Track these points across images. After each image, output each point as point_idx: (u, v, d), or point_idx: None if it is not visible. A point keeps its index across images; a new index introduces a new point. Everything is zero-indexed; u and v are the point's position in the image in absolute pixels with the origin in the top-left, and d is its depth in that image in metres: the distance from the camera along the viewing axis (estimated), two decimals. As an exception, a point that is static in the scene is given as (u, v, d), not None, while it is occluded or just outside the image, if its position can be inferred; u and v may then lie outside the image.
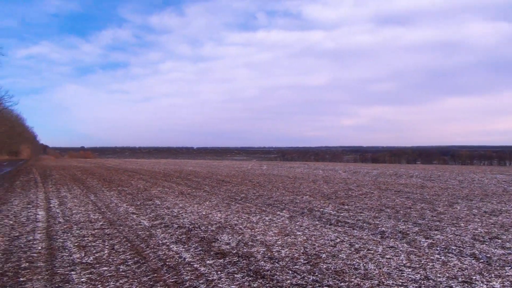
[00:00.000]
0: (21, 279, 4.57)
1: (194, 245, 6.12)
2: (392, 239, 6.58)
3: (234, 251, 5.75)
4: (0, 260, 5.31)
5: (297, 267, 5.03)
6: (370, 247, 6.04)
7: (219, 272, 4.79)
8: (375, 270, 4.92)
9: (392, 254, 5.66)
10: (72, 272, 4.78)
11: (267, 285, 4.40)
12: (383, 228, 7.48)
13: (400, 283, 4.46)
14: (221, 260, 5.29)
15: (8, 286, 4.32)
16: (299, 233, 7.12)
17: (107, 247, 5.99)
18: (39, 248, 5.96)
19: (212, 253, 5.67)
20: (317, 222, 8.17)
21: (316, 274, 4.76)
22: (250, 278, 4.59)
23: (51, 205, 10.25)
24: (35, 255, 5.57)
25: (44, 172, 23.74)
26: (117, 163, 42.49)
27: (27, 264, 5.12)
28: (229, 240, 6.51)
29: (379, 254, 5.64)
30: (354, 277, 4.66)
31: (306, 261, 5.27)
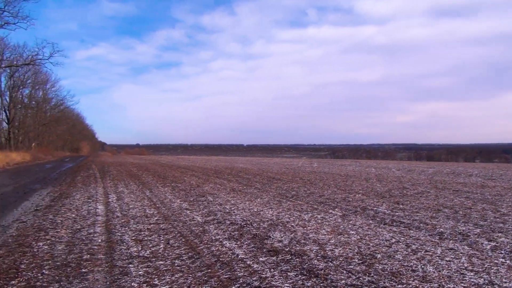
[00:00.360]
0: (83, 270, 4.77)
1: (246, 242, 6.15)
2: (451, 241, 6.28)
3: (287, 249, 5.71)
4: (64, 251, 5.58)
5: (352, 267, 4.92)
6: (428, 249, 5.80)
7: (272, 270, 4.77)
8: (434, 272, 4.71)
9: (452, 256, 5.40)
10: (130, 265, 4.94)
11: (321, 284, 4.33)
12: (441, 229, 7.17)
13: (462, 287, 4.25)
14: (274, 258, 5.27)
15: (72, 277, 4.52)
16: (352, 232, 6.97)
17: (162, 241, 6.14)
18: (99, 241, 6.21)
19: (264, 250, 5.66)
20: (370, 221, 7.97)
21: (372, 275, 4.63)
22: (303, 277, 4.54)
23: (110, 199, 10.66)
24: (95, 247, 5.80)
25: (103, 168, 24.80)
26: (171, 160, 43.66)
27: (88, 256, 5.35)
28: (282, 237, 6.48)
29: (438, 256, 5.40)
30: (412, 279, 4.49)
31: (360, 261, 5.15)
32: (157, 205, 9.77)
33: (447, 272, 4.72)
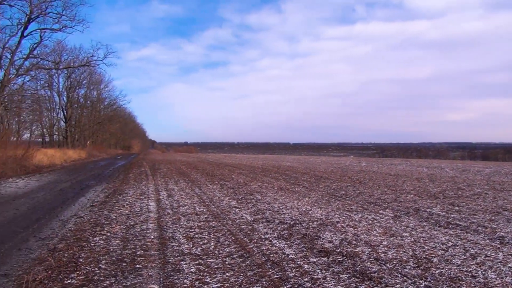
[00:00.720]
0: (137, 266, 4.90)
1: (296, 242, 6.09)
2: (514, 246, 5.94)
3: (338, 250, 5.61)
4: (119, 246, 5.76)
5: (407, 270, 4.75)
6: (488, 253, 5.50)
7: (323, 271, 4.69)
8: (496, 279, 4.46)
9: (515, 262, 5.10)
10: (182, 262, 5.01)
11: None
12: (502, 233, 6.80)
13: (528, 296, 4.00)
14: (325, 259, 5.19)
15: (127, 272, 4.65)
16: (405, 234, 6.74)
17: (212, 239, 6.20)
18: (152, 237, 6.36)
19: (315, 250, 5.58)
20: (424, 223, 7.68)
21: (429, 280, 4.44)
22: (356, 279, 4.43)
23: (161, 196, 10.92)
24: (148, 243, 5.95)
25: (153, 166, 25.49)
26: (218, 158, 44.23)
27: (142, 252, 5.49)
28: (332, 238, 6.38)
29: (500, 262, 5.11)
30: (472, 285, 4.28)
31: (416, 265, 4.96)
32: (206, 203, 9.90)
33: (511, 280, 4.45)
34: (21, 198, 10.91)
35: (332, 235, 6.56)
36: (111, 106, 67.26)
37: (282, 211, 8.90)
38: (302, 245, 5.87)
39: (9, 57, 25.04)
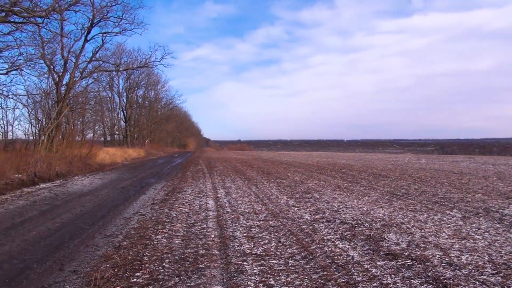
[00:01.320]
0: (200, 265, 4.88)
1: (360, 243, 5.85)
2: None
3: (406, 253, 5.31)
4: (181, 245, 5.79)
5: (485, 277, 4.40)
6: None
7: (393, 276, 4.44)
8: None
9: None
10: (245, 263, 4.94)
11: (452, 296, 3.92)
12: None
13: None
14: (393, 262, 4.92)
15: (190, 272, 4.64)
16: (478, 236, 6.31)
17: (273, 239, 6.09)
18: (212, 236, 6.36)
19: (381, 253, 5.32)
20: (497, 225, 7.17)
21: (511, 288, 4.08)
22: (430, 286, 4.15)
23: (219, 195, 10.98)
24: (209, 242, 5.94)
25: (209, 164, 25.87)
26: (272, 156, 44.25)
27: (204, 251, 5.48)
28: (398, 240, 6.07)
29: None
30: None
31: (494, 271, 4.59)
32: (264, 201, 9.83)
33: None
34: (86, 195, 11.37)
35: (398, 237, 6.25)
36: (167, 105, 69.24)
37: (342, 210, 8.65)
38: (367, 247, 5.63)
39: (74, 60, 26.29)
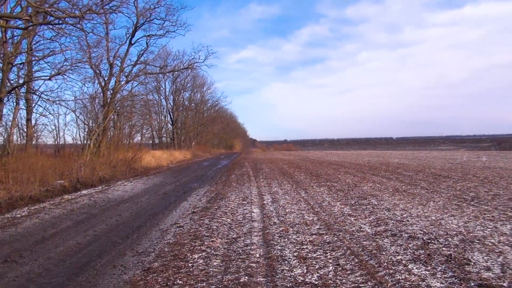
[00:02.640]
0: (242, 298, 3.94)
1: (440, 267, 4.69)
2: None
3: (505, 284, 4.12)
4: (220, 269, 4.86)
5: None
6: None
7: (498, 322, 3.30)
8: None
9: None
10: (297, 296, 3.95)
11: None
12: None
13: None
14: (493, 299, 3.76)
15: (229, 308, 3.71)
16: None
17: (330, 261, 5.04)
18: (257, 255, 5.39)
19: (472, 283, 4.16)
20: None
21: None
22: None
23: (265, 201, 10.02)
24: (253, 265, 4.97)
25: (255, 166, 25.01)
26: (320, 156, 42.87)
27: (247, 278, 4.52)
28: (487, 262, 4.86)
29: None
30: None
31: None
32: (316, 209, 8.76)
33: None
34: (126, 202, 10.78)
35: (486, 258, 5.03)
36: (213, 107, 69.30)
37: (408, 220, 7.45)
38: (450, 273, 4.47)
39: (119, 64, 26.31)
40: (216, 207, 9.30)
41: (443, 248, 5.49)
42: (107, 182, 15.54)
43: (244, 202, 10.03)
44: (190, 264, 5.03)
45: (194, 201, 10.65)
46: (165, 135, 55.40)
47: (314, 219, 7.70)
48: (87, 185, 14.26)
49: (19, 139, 19.74)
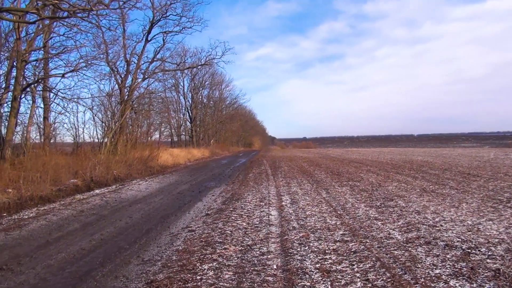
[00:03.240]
0: (255, 322, 3.35)
1: (488, 285, 4.02)
2: None
3: None
4: (232, 284, 4.28)
5: None
6: None
7: None
8: None
9: None
10: (320, 321, 3.34)
11: None
12: None
13: None
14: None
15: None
16: None
17: (358, 275, 4.40)
18: (274, 267, 4.79)
19: (531, 308, 3.49)
20: None
21: None
22: None
23: (283, 203, 9.39)
24: (270, 279, 4.37)
25: (274, 164, 24.38)
26: (340, 153, 41.97)
27: (262, 295, 3.94)
28: (544, 279, 4.16)
29: None
30: None
31: None
32: (338, 212, 8.11)
33: None
34: (138, 203, 10.32)
35: (541, 273, 4.32)
36: (232, 105, 68.97)
37: (441, 225, 6.75)
38: (503, 294, 3.80)
39: (136, 62, 26.02)
40: (232, 209, 8.73)
41: (488, 260, 4.80)
42: (122, 181, 15.16)
43: (261, 203, 9.42)
44: (198, 277, 4.47)
45: (209, 202, 10.11)
46: (183, 133, 55.26)
47: (337, 223, 7.05)
48: (101, 184, 13.88)
49: (37, 137, 19.61)
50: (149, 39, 25.98)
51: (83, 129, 21.41)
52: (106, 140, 22.17)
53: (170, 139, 53.28)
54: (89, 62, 19.54)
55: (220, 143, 60.09)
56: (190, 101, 54.26)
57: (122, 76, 25.75)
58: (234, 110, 70.67)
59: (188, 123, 54.93)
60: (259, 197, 10.40)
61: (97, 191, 12.56)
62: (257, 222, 7.29)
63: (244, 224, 7.15)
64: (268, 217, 7.77)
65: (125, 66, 25.88)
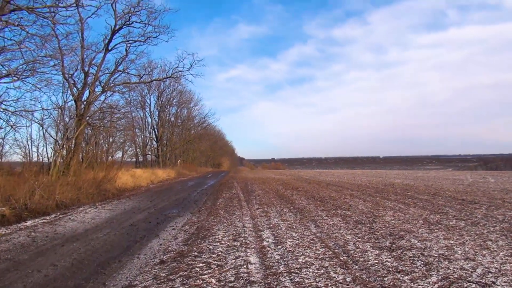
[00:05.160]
0: None
1: None
2: None
3: None
4: None
5: None
6: None
7: None
8: None
9: None
10: None
11: None
12: None
13: None
14: None
15: None
16: None
17: None
18: None
19: None
20: None
21: None
22: None
23: (264, 242, 7.17)
24: None
25: (246, 187, 22.14)
26: (313, 175, 40.21)
27: None
28: None
29: None
30: None
31: None
32: (341, 258, 5.99)
33: None
34: (75, 240, 7.94)
35: None
36: (201, 124, 66.63)
37: (493, 281, 4.77)
38: None
39: (94, 73, 23.58)
40: (196, 253, 6.45)
41: None
42: (66, 209, 12.64)
43: (235, 243, 7.16)
44: None
45: (168, 239, 7.83)
46: (149, 153, 52.38)
47: (347, 279, 4.93)
48: (38, 213, 11.35)
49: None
50: (109, 48, 23.62)
51: (31, 147, 18.67)
52: (56, 159, 19.48)
53: (135, 159, 50.44)
54: (34, 70, 17.13)
55: (187, 164, 57.44)
56: (156, 119, 51.71)
57: (80, 88, 23.27)
58: (203, 129, 68.33)
59: (154, 142, 52.21)
60: (233, 232, 8.14)
61: (28, 222, 10.05)
62: (232, 278, 5.06)
63: (214, 281, 4.92)
64: (247, 267, 5.55)
65: (83, 77, 23.45)
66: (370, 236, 7.58)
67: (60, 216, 11.18)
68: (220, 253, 6.38)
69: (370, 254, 6.14)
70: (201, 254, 6.34)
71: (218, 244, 7.04)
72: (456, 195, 15.79)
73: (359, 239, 7.26)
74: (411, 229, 8.32)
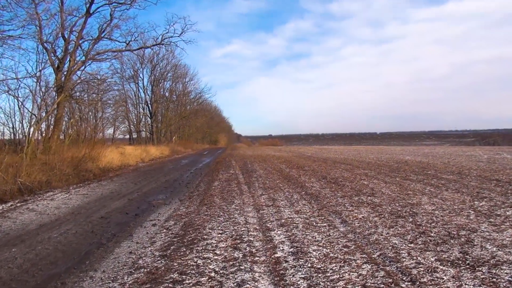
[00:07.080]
0: None
1: None
2: None
3: None
4: None
5: None
6: None
7: None
8: None
9: None
10: None
11: None
12: None
13: None
14: None
15: None
16: None
17: None
18: None
19: None
20: None
21: None
22: None
23: (278, 252, 4.96)
24: None
25: (245, 166, 19.94)
26: (314, 152, 38.09)
27: None
28: None
29: None
30: None
31: None
32: (396, 277, 3.88)
33: None
34: (17, 243, 5.80)
35: None
36: (197, 100, 64.15)
37: None
38: None
39: (75, 39, 21.13)
40: (177, 274, 4.28)
41: None
42: (32, 194, 10.50)
43: (235, 253, 4.93)
44: None
45: (142, 244, 5.67)
46: (143, 129, 50.06)
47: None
48: (-8, 200, 9.23)
49: None
50: (91, 11, 21.09)
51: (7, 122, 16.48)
52: (31, 135, 17.21)
53: (128, 136, 48.25)
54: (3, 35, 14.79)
55: (183, 140, 55.18)
56: (150, 94, 49.18)
57: (60, 57, 20.90)
58: (199, 105, 65.87)
59: (148, 118, 49.81)
60: (232, 234, 5.93)
61: (-29, 214, 7.91)
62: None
63: None
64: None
65: (64, 45, 21.04)
66: (424, 238, 5.44)
67: (18, 204, 9.05)
68: (213, 274, 4.21)
69: (443, 276, 4.00)
70: (184, 276, 4.17)
71: (210, 255, 4.85)
72: (485, 174, 13.71)
73: (412, 245, 5.12)
74: (469, 224, 6.22)
